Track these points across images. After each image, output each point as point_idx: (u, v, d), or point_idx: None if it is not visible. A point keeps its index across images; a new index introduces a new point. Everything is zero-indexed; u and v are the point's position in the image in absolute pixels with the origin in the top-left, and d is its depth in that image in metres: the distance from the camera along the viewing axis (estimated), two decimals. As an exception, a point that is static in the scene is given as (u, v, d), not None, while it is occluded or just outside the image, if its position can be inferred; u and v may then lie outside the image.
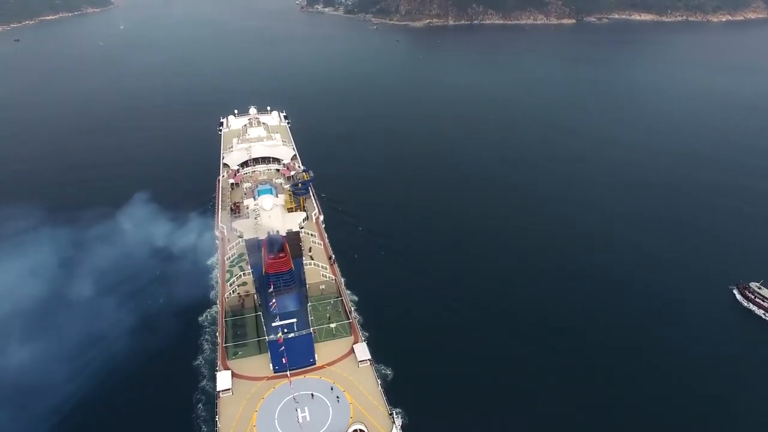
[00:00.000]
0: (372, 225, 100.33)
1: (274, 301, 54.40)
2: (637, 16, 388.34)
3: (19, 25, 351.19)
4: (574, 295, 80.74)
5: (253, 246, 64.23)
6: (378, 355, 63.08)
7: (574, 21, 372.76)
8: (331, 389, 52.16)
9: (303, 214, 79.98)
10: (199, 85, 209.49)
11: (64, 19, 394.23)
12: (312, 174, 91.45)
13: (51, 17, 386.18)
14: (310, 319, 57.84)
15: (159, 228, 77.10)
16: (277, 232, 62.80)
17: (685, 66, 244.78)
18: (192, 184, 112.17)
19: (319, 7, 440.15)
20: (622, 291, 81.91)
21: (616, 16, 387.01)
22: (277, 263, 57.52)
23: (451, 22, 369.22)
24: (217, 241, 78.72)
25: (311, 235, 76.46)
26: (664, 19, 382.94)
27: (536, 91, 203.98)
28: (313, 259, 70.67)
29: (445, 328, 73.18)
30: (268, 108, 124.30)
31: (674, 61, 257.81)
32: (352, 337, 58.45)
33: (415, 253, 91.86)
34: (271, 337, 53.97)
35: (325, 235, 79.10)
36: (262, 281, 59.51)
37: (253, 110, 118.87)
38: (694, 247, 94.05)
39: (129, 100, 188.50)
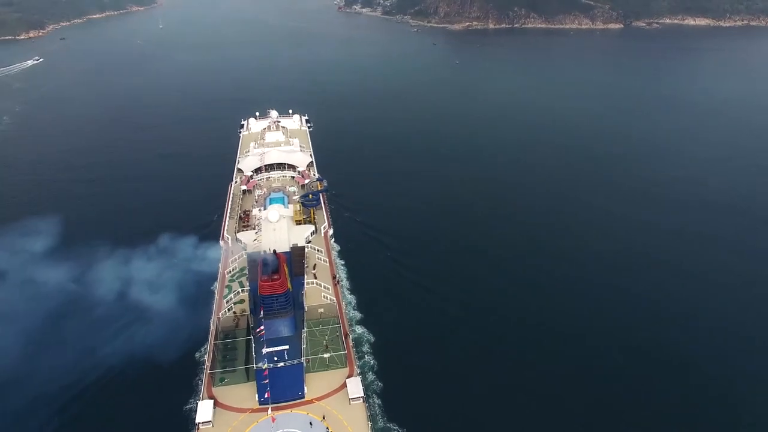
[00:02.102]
0: (395, 242, 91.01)
1: (261, 327, 50.19)
2: (691, 21, 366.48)
3: (68, 23, 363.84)
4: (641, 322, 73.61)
5: (254, 261, 60.25)
6: (381, 400, 58.23)
7: (621, 26, 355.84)
8: (322, 419, 47.82)
9: (311, 228, 75.66)
10: (228, 85, 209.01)
11: (110, 17, 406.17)
12: (326, 183, 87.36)
13: (98, 16, 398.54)
14: (303, 347, 53.39)
15: (165, 247, 70.23)
16: (274, 251, 58.52)
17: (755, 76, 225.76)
18: (210, 190, 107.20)
19: (357, 8, 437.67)
20: (687, 324, 74.31)
21: (668, 20, 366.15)
22: (271, 286, 53.43)
23: (491, 26, 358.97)
24: (221, 252, 75.35)
25: (318, 250, 71.94)
26: (722, 24, 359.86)
27: (589, 102, 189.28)
28: (316, 278, 66.32)
29: (467, 379, 63.03)
30: (290, 111, 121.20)
31: (738, 69, 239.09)
32: (347, 369, 53.66)
33: (445, 281, 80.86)
34: (259, 365, 49.86)
35: (333, 251, 74.64)
36: (256, 302, 55.58)
37: (274, 113, 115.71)
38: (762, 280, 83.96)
39: (158, 99, 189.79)
